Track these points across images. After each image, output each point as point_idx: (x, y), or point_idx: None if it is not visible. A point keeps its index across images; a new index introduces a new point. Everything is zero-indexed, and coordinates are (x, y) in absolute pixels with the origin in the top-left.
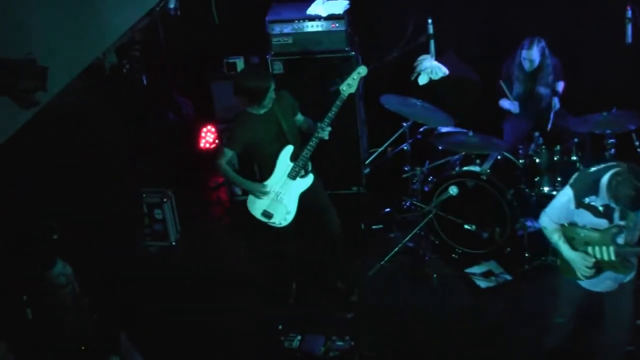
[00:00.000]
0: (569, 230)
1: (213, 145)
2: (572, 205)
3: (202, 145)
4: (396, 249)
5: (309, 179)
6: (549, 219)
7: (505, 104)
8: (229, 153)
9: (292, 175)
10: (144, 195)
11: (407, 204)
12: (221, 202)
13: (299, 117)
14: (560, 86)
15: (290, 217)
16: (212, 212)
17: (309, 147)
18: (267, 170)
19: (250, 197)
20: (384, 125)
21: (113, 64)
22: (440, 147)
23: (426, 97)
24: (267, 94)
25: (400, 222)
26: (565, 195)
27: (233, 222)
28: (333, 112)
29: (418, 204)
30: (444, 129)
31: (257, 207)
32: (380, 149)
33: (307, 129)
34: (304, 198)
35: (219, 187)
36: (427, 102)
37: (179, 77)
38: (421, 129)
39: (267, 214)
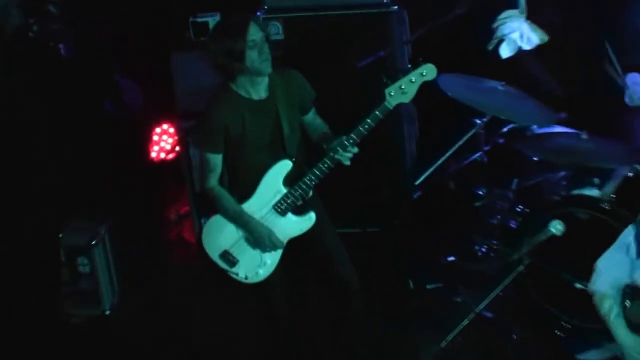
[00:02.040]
0: None
1: (172, 156)
2: (633, 252)
3: (154, 154)
4: (465, 321)
5: (308, 220)
6: (602, 279)
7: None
8: (215, 161)
9: (282, 209)
10: (62, 235)
11: (482, 249)
12: (185, 243)
13: (311, 116)
14: None
15: (264, 274)
16: (170, 259)
17: (317, 172)
18: (242, 188)
19: (209, 227)
20: (444, 124)
21: (16, 25)
22: (535, 158)
23: (512, 79)
24: (249, 49)
25: (470, 278)
26: (625, 238)
27: (203, 273)
28: (367, 127)
29: (499, 248)
30: (541, 129)
31: (215, 243)
32: (438, 162)
33: (318, 138)
34: (300, 244)
35: (182, 220)
36: (514, 87)
37: (121, 46)
38: (504, 129)
39: (229, 259)
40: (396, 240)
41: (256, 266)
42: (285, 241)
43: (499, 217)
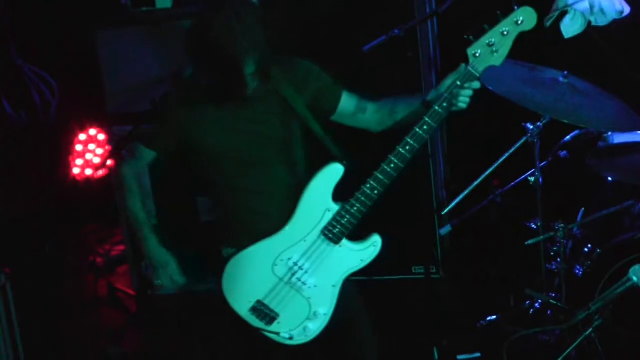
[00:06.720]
0: None
1: (101, 172)
2: None
3: (77, 171)
4: None
5: (372, 247)
6: None
7: None
8: (142, 152)
9: (334, 233)
10: None
11: (536, 305)
12: (117, 297)
13: (348, 101)
14: None
15: (316, 329)
16: (99, 324)
17: (388, 169)
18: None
19: (232, 269)
20: (482, 130)
21: None
22: (610, 179)
23: (578, 67)
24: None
25: (518, 346)
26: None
27: (149, 342)
28: (444, 106)
29: (561, 305)
30: (619, 139)
31: (244, 292)
32: (474, 184)
33: (404, 117)
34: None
35: (113, 265)
36: (582, 78)
37: (23, 21)
38: (567, 138)
39: (265, 313)
40: (416, 292)
41: (304, 319)
42: (342, 275)
43: (558, 260)
